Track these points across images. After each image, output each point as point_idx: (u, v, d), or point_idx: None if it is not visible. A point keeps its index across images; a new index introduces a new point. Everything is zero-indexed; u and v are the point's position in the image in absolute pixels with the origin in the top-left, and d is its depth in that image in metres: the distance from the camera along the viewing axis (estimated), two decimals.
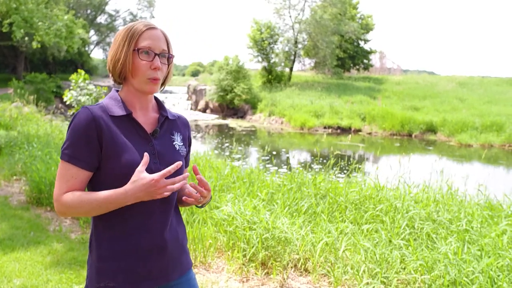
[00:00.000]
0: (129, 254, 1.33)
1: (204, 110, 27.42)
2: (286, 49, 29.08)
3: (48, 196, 5.19)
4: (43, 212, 5.12)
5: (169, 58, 1.40)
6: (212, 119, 23.87)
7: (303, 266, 3.46)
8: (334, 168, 5.49)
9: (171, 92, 33.11)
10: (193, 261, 3.53)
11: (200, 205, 1.47)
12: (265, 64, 28.75)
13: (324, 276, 3.36)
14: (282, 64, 29.03)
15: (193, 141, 13.41)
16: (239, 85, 23.96)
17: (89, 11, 38.81)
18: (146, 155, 1.25)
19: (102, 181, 1.32)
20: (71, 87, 9.35)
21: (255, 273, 3.41)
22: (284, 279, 3.29)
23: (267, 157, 10.91)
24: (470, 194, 4.76)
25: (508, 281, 2.78)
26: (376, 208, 4.14)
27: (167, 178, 1.28)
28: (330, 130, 18.51)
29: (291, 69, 30.00)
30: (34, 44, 16.43)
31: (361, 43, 34.31)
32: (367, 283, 3.01)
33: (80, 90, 9.03)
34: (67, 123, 11.09)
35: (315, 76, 30.84)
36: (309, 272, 3.41)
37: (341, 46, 31.20)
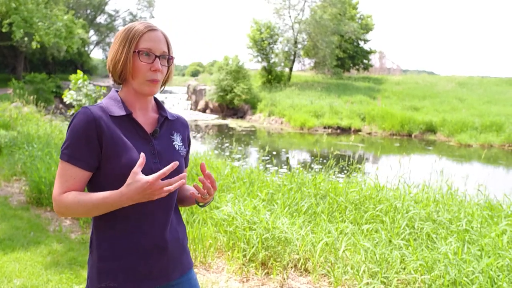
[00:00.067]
0: (130, 253, 1.33)
1: (204, 110, 27.42)
2: (286, 49, 29.09)
3: (48, 196, 5.19)
4: (43, 212, 5.12)
5: (169, 59, 1.40)
6: (212, 119, 23.87)
7: (303, 266, 3.46)
8: (334, 168, 5.49)
9: (170, 92, 33.10)
10: (193, 261, 3.53)
11: (202, 204, 1.47)
12: (264, 64, 28.75)
13: (324, 276, 3.36)
14: (282, 64, 29.04)
15: (193, 141, 13.42)
16: (238, 85, 23.96)
17: (88, 11, 38.80)
18: (142, 156, 1.22)
19: (102, 181, 1.32)
20: (71, 87, 9.35)
21: (255, 273, 3.41)
22: (284, 279, 3.29)
23: (267, 157, 10.91)
24: (470, 194, 4.76)
25: (508, 281, 2.78)
26: (376, 208, 4.14)
27: (164, 178, 1.27)
28: (330, 130, 18.51)
29: (290, 69, 30.00)
30: (34, 44, 16.42)
31: (361, 43, 34.33)
32: (367, 283, 3.01)
33: (79, 91, 9.03)
34: (67, 123, 11.09)
35: (315, 76, 30.85)
36: (309, 272, 3.41)
37: (341, 46, 31.21)
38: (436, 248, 3.29)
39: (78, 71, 9.34)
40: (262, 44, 28.02)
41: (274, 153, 12.83)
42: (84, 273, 3.42)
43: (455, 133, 16.27)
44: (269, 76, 28.70)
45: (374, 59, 37.93)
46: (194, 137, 16.02)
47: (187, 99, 30.54)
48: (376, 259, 3.20)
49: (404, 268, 3.16)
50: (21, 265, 3.54)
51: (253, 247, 3.49)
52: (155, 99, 1.49)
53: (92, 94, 8.85)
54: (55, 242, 4.10)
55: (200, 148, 11.22)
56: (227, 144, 14.03)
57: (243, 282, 3.33)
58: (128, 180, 1.21)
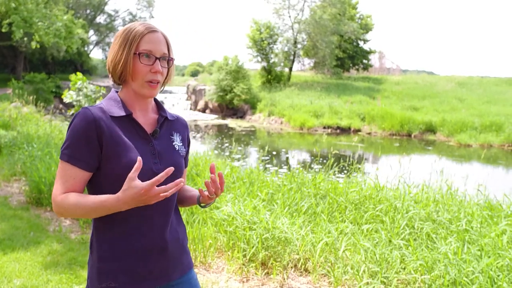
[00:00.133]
0: (130, 254, 1.33)
1: (203, 110, 27.42)
2: (286, 49, 29.09)
3: (48, 196, 5.19)
4: (42, 212, 5.11)
5: (170, 61, 1.40)
6: (211, 119, 23.86)
7: (303, 266, 3.46)
8: (334, 168, 5.49)
9: (170, 92, 33.12)
10: (193, 261, 3.53)
11: (203, 204, 1.47)
12: (264, 64, 28.75)
13: (324, 276, 3.36)
14: (282, 64, 29.04)
15: (192, 141, 13.43)
16: (238, 85, 23.96)
17: (88, 11, 38.78)
18: (139, 160, 1.19)
19: (102, 182, 1.32)
20: (70, 88, 9.35)
21: (255, 273, 3.41)
22: (284, 279, 3.29)
23: (267, 157, 10.91)
24: (470, 194, 4.76)
25: (508, 281, 2.78)
26: (376, 208, 4.14)
27: (164, 181, 1.27)
28: (329, 130, 18.51)
29: (290, 69, 30.00)
30: (33, 44, 16.42)
31: (361, 43, 34.34)
32: (367, 283, 3.01)
33: (78, 91, 9.03)
34: (67, 123, 11.09)
35: (315, 76, 30.85)
36: (309, 272, 3.41)
37: (341, 46, 31.22)
38: (436, 248, 3.30)
39: (78, 73, 9.34)
40: (262, 44, 28.02)
41: (274, 153, 12.83)
42: (84, 273, 3.41)
43: (454, 133, 16.28)
44: (269, 76, 28.71)
45: (373, 59, 37.95)
46: (194, 137, 16.02)
47: (187, 99, 30.54)
48: (376, 259, 3.20)
49: (404, 268, 3.17)
50: (21, 265, 3.54)
51: (253, 247, 3.49)
52: (155, 99, 1.49)
53: (91, 95, 8.85)
54: (55, 242, 4.09)
55: (199, 148, 11.22)
56: (226, 144, 14.03)
57: (243, 282, 3.33)
58: (124, 186, 1.19)
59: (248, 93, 23.96)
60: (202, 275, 3.43)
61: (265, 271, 3.41)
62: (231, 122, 22.04)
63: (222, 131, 18.72)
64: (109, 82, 25.64)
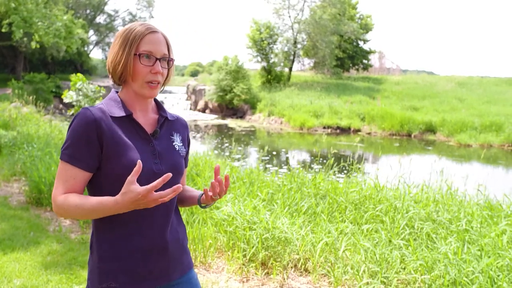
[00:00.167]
0: (130, 254, 1.33)
1: (203, 110, 27.42)
2: (286, 49, 29.10)
3: (48, 196, 5.19)
4: (42, 212, 5.11)
5: (170, 61, 1.40)
6: (211, 119, 23.87)
7: (303, 266, 3.46)
8: (334, 168, 5.49)
9: (170, 92, 33.14)
10: (193, 261, 3.53)
11: (204, 205, 1.48)
12: (264, 64, 28.76)
13: (324, 276, 3.36)
14: (281, 64, 29.05)
15: (192, 141, 13.42)
16: (238, 85, 23.96)
17: (88, 11, 38.77)
18: (139, 164, 1.18)
19: (102, 182, 1.32)
20: (70, 88, 9.36)
21: (255, 273, 3.41)
22: (284, 279, 3.29)
23: (267, 157, 10.91)
24: (470, 194, 4.76)
25: (508, 281, 2.79)
26: (376, 208, 4.14)
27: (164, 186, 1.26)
28: (329, 130, 18.52)
29: (290, 69, 30.01)
30: (33, 44, 16.43)
31: (360, 43, 34.34)
32: (367, 283, 3.01)
33: (78, 91, 9.04)
34: (67, 123, 11.09)
35: (314, 76, 30.86)
36: (309, 272, 3.41)
37: (340, 46, 31.22)
38: (436, 248, 3.30)
39: (78, 74, 9.34)
40: (262, 44, 28.02)
41: (274, 153, 12.83)
42: (84, 273, 3.41)
43: (454, 133, 16.28)
44: (269, 76, 28.71)
45: (373, 59, 37.96)
46: (194, 137, 16.02)
47: (187, 99, 30.55)
48: (376, 259, 3.20)
49: (404, 268, 3.17)
50: (21, 265, 3.54)
51: (253, 247, 3.49)
52: (155, 99, 1.49)
53: (92, 96, 8.85)
54: (55, 242, 4.09)
55: (199, 148, 11.21)
56: (226, 144, 14.03)
57: (243, 282, 3.33)
58: (123, 189, 1.19)
59: (248, 93, 23.97)
60: (202, 275, 3.43)
61: (265, 271, 3.41)
62: (231, 122, 22.04)
63: (222, 131, 18.72)
64: (109, 82, 25.64)
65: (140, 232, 1.34)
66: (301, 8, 29.00)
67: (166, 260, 1.39)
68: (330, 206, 4.36)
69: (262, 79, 28.70)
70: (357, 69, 35.55)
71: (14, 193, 5.93)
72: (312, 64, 31.65)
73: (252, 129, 19.70)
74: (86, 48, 35.91)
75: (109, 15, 40.70)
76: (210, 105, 26.53)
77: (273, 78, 28.65)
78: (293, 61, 29.93)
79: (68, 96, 8.87)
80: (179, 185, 1.18)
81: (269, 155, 11.66)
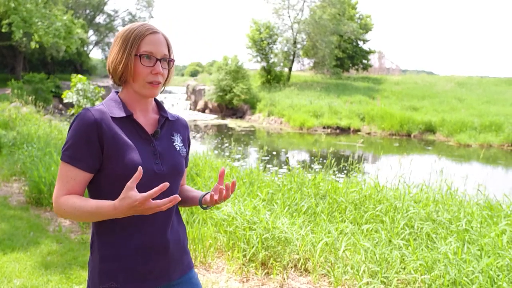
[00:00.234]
0: (131, 254, 1.33)
1: (203, 110, 27.42)
2: (285, 49, 29.11)
3: (48, 197, 5.19)
4: (42, 212, 5.11)
5: (170, 62, 1.40)
6: (211, 119, 23.87)
7: (303, 266, 3.46)
8: (334, 168, 5.49)
9: (170, 92, 33.14)
10: (193, 261, 3.53)
11: (205, 206, 1.49)
12: (264, 64, 28.77)
13: (324, 276, 3.36)
14: (281, 64, 29.07)
15: (192, 141, 13.41)
16: (238, 85, 23.97)
17: (88, 11, 38.77)
18: (139, 170, 1.17)
19: (102, 182, 1.32)
20: (70, 88, 9.37)
21: (255, 273, 3.41)
22: (284, 279, 3.29)
23: (267, 157, 10.91)
24: (470, 194, 4.76)
25: (508, 281, 2.79)
26: (376, 208, 4.14)
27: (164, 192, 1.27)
28: (329, 130, 18.52)
29: (290, 69, 30.02)
30: (33, 44, 16.44)
31: (360, 43, 34.37)
32: (367, 283, 3.02)
33: (78, 92, 9.06)
34: (66, 123, 11.08)
35: (314, 76, 30.87)
36: (309, 272, 3.41)
37: (340, 46, 31.24)
38: (436, 248, 3.30)
39: (78, 75, 9.36)
40: (262, 44, 28.03)
41: (274, 153, 12.83)
42: (84, 273, 3.42)
43: (454, 133, 16.29)
44: (268, 76, 28.72)
45: (373, 59, 37.99)
46: (194, 137, 16.01)
47: (186, 99, 30.56)
48: (376, 259, 3.20)
49: (404, 268, 3.17)
50: (21, 265, 3.54)
51: (253, 247, 3.49)
52: (155, 99, 1.49)
53: (92, 97, 8.87)
54: (55, 242, 4.09)
55: (199, 148, 11.21)
56: (226, 144, 14.02)
57: (243, 282, 3.33)
58: (122, 195, 1.18)
59: (248, 93, 23.97)
60: (202, 275, 3.43)
61: (265, 271, 3.41)
62: (230, 122, 22.03)
63: (222, 131, 18.72)
64: (108, 82, 25.64)
65: (142, 231, 1.34)
66: (301, 8, 29.03)
67: (166, 260, 1.39)
68: (330, 206, 4.36)
69: (262, 79, 28.71)
70: (357, 69, 35.57)
71: (14, 193, 5.92)
72: (311, 64, 31.67)
73: (252, 129, 19.70)
74: (85, 48, 35.91)
75: (109, 15, 40.71)
76: (210, 105, 26.53)
77: (273, 78, 28.66)
78: (292, 61, 29.95)
79: (68, 96, 8.88)
80: (176, 195, 1.17)
81: (269, 155, 11.66)
